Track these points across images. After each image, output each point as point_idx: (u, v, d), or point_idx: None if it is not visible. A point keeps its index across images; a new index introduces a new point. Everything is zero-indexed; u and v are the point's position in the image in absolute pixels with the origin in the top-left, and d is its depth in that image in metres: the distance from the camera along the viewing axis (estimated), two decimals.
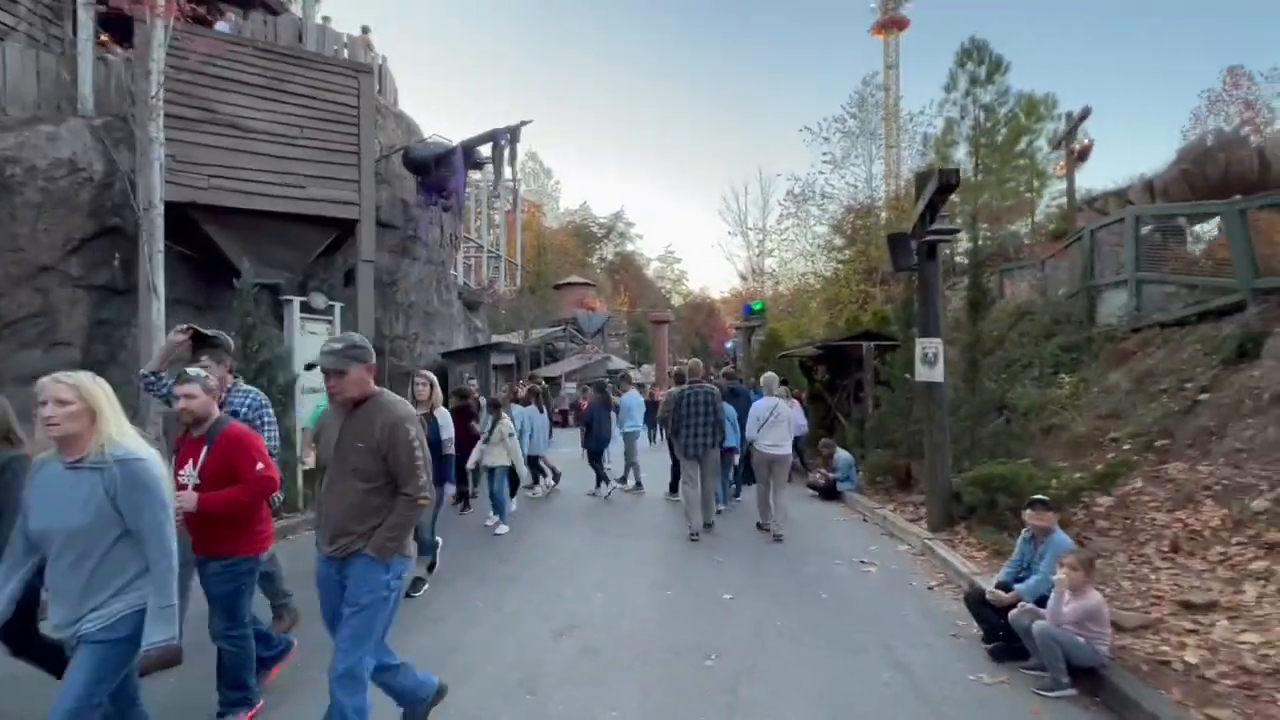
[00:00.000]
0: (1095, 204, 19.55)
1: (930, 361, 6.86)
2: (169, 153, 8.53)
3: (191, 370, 3.18)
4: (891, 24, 40.65)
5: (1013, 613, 3.89)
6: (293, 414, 8.06)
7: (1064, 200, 23.35)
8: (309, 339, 8.50)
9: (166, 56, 8.10)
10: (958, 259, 18.23)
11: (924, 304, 7.02)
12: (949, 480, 6.84)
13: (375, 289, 13.45)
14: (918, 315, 7.12)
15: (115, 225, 9.35)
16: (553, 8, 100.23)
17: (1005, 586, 4.11)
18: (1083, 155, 14.36)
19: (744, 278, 31.18)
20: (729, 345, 35.26)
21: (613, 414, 10.45)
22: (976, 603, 4.27)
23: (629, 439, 10.30)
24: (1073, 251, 12.86)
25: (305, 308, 8.49)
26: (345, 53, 12.19)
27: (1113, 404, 9.20)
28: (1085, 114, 13.82)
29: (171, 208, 8.75)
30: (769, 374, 8.16)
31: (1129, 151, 63.17)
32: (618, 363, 40.80)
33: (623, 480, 10.11)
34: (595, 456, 9.78)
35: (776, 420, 7.17)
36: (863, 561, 6.26)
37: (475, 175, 13.68)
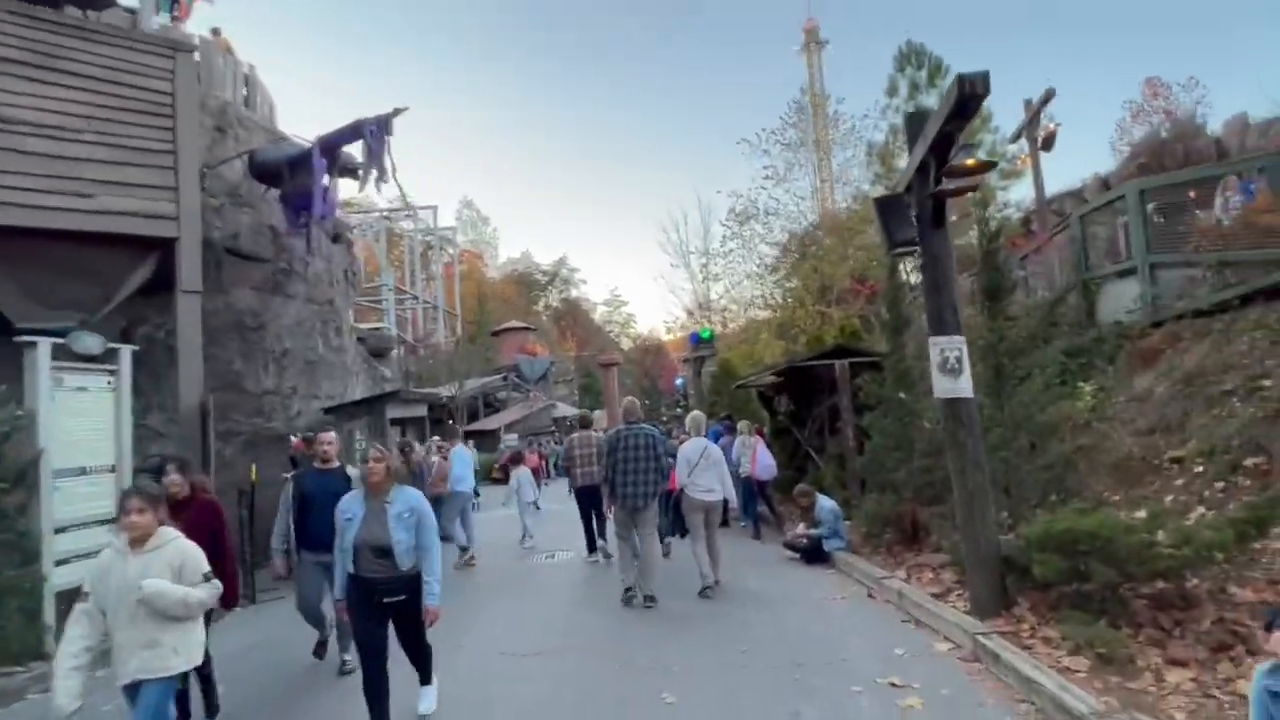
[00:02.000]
0: (1051, 206, 18.61)
1: (953, 370, 4.80)
2: None
3: None
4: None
5: None
6: (34, 510, 5.43)
7: (1009, 213, 22.51)
8: (71, 398, 5.91)
9: None
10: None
11: (934, 289, 4.99)
12: (996, 540, 4.72)
13: (237, 334, 10.85)
14: (928, 307, 5.07)
15: None
16: (471, 52, 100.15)
17: None
18: (1047, 143, 13.02)
19: (690, 312, 29.21)
20: (678, 382, 33.13)
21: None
22: None
23: (456, 500, 8.68)
24: (1057, 245, 11.34)
25: (63, 353, 5.93)
26: (197, 56, 9.81)
27: (1155, 414, 7.37)
28: (1048, 97, 12.51)
29: None
30: (695, 413, 7.66)
31: (1059, 163, 65.76)
32: (564, 410, 38.22)
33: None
34: None
35: (708, 463, 6.52)
36: (894, 683, 4.00)
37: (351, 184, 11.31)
